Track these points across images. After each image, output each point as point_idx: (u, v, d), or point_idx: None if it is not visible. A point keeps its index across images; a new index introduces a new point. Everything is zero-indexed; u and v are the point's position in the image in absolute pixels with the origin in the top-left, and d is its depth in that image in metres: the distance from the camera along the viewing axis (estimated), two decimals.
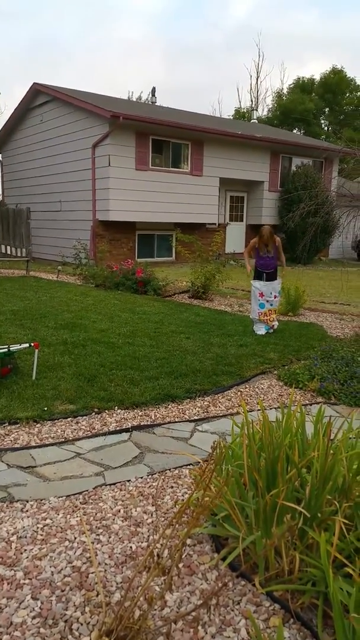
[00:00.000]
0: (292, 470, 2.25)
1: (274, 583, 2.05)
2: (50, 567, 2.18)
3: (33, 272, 12.80)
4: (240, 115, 37.13)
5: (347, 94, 37.83)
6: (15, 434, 3.56)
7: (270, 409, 4.16)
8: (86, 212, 14.93)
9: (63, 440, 3.49)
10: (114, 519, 2.56)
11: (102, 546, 2.34)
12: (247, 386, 4.82)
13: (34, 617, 1.90)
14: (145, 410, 4.10)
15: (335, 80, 36.64)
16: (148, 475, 3.04)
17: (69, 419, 3.83)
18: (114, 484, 2.93)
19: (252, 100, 39.53)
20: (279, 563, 2.10)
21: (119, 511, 2.64)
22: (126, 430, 3.68)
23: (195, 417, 3.99)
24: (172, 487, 2.90)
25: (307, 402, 4.45)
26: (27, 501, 2.72)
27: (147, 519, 2.57)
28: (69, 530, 2.46)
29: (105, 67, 54.63)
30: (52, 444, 3.41)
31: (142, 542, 2.38)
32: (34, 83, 16.61)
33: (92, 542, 2.36)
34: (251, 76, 60.03)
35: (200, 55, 54.93)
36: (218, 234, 10.56)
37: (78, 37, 54.09)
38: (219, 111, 40.37)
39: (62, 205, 16.18)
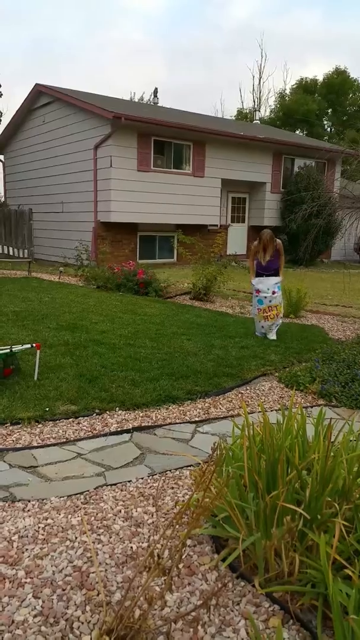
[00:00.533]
0: (293, 472, 2.25)
1: (273, 584, 2.06)
2: (52, 566, 2.19)
3: (35, 273, 12.82)
4: (243, 116, 37.13)
5: (351, 95, 37.77)
6: (17, 434, 3.58)
7: (271, 410, 4.17)
8: (88, 214, 14.94)
9: (64, 440, 3.50)
10: (114, 519, 2.58)
11: (102, 546, 2.35)
12: (248, 388, 4.83)
13: (35, 616, 1.91)
14: (146, 411, 4.11)
15: (339, 81, 36.58)
16: (149, 476, 3.05)
17: (70, 420, 3.85)
18: (115, 484, 2.94)
19: (254, 101, 39.53)
20: (278, 564, 2.11)
21: (120, 511, 2.65)
22: (127, 431, 3.69)
23: (196, 419, 4.01)
24: (172, 488, 2.92)
25: (308, 404, 4.45)
26: (29, 501, 2.74)
27: (147, 520, 2.58)
28: (70, 530, 2.47)
29: (107, 68, 54.92)
30: (53, 444, 3.43)
31: (142, 543, 2.39)
32: (37, 84, 16.62)
33: (93, 542, 2.38)
34: (254, 77, 59.84)
35: (203, 56, 55.09)
36: (220, 236, 10.57)
37: (79, 39, 54.31)
38: (221, 112, 40.36)
39: (63, 207, 16.19)
